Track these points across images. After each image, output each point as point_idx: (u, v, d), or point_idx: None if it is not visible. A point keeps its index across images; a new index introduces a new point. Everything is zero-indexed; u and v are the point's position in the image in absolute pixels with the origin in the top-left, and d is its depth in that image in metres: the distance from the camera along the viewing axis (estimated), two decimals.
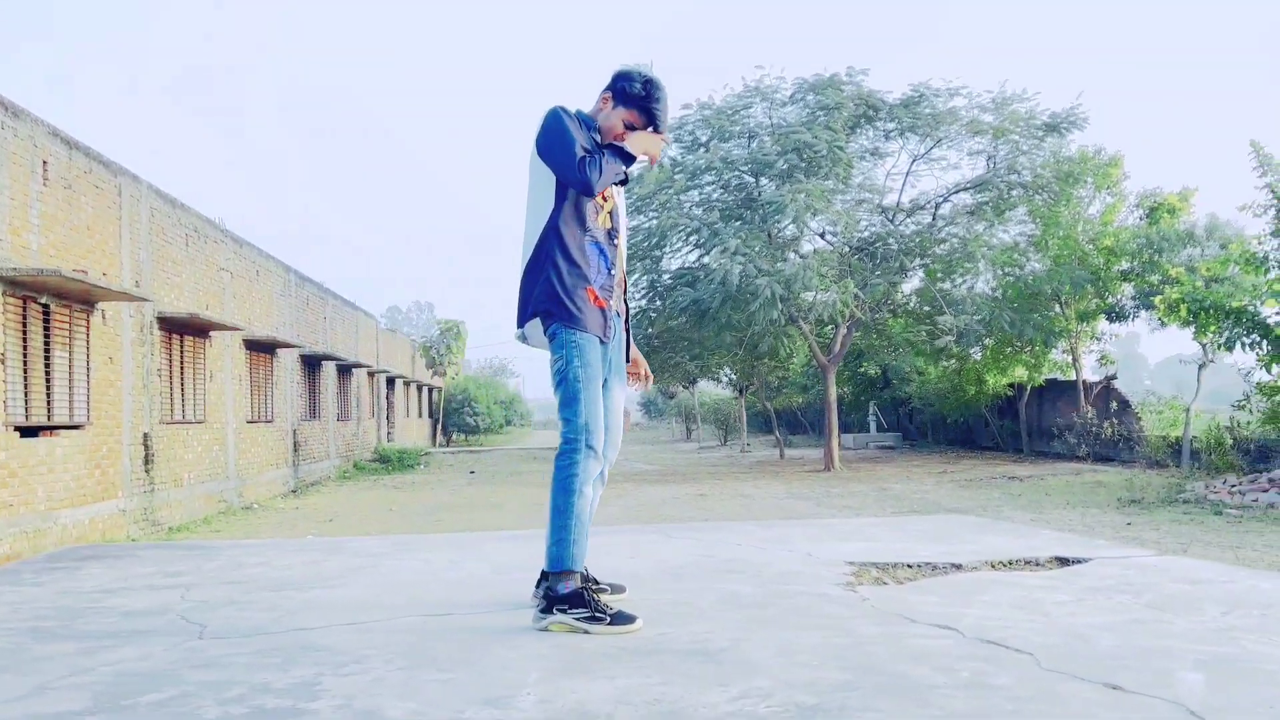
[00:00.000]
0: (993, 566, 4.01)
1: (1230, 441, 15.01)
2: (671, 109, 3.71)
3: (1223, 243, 16.71)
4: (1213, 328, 13.10)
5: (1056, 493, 12.88)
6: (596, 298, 3.24)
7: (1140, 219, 19.46)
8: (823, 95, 17.71)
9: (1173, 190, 18.85)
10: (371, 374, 25.81)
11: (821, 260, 16.39)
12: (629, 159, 3.28)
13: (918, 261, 18.78)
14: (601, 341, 3.27)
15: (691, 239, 17.39)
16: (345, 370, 22.11)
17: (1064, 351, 20.53)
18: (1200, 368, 17.08)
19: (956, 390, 23.57)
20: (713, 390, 43.80)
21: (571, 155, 3.14)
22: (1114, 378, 20.01)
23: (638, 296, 19.04)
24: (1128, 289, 18.67)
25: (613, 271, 3.36)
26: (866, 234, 18.29)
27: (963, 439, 26.02)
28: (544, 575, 3.26)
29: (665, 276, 18.25)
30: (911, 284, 19.54)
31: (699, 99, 18.51)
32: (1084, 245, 19.01)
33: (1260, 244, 12.71)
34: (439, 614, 3.34)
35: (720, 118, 17.96)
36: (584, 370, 3.17)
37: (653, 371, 23.90)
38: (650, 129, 3.33)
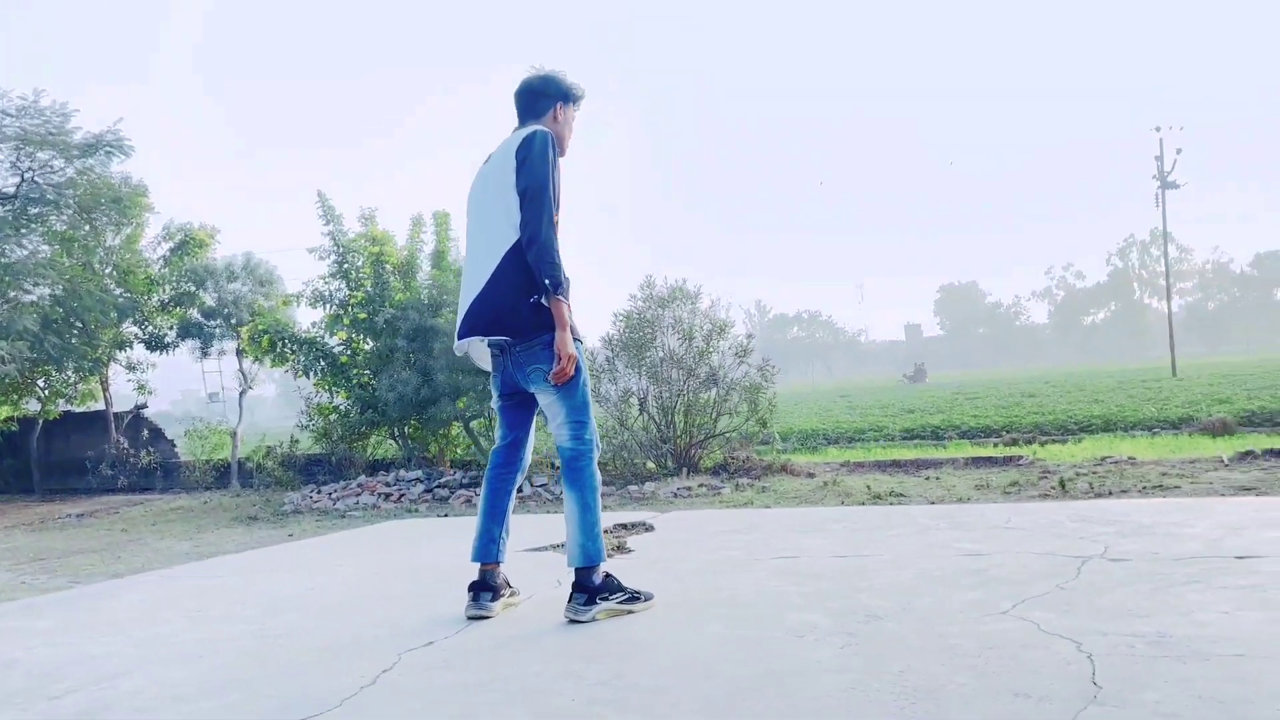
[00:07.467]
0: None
1: (280, 459, 16.76)
2: None
3: (261, 280, 18.49)
4: (291, 357, 14.65)
5: (169, 520, 12.62)
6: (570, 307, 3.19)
7: (169, 251, 19.93)
8: None
9: (203, 227, 19.88)
10: None
11: None
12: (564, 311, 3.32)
13: None
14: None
15: None
16: None
17: (87, 381, 19.63)
18: (241, 394, 18.52)
19: None
20: None
21: (551, 224, 3.20)
22: (144, 407, 19.99)
23: None
24: (166, 320, 18.95)
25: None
26: None
27: None
28: (481, 584, 3.50)
29: None
30: None
31: None
32: (103, 273, 18.73)
33: (326, 283, 14.72)
34: (421, 646, 3.22)
35: None
36: (588, 377, 3.17)
37: None
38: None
